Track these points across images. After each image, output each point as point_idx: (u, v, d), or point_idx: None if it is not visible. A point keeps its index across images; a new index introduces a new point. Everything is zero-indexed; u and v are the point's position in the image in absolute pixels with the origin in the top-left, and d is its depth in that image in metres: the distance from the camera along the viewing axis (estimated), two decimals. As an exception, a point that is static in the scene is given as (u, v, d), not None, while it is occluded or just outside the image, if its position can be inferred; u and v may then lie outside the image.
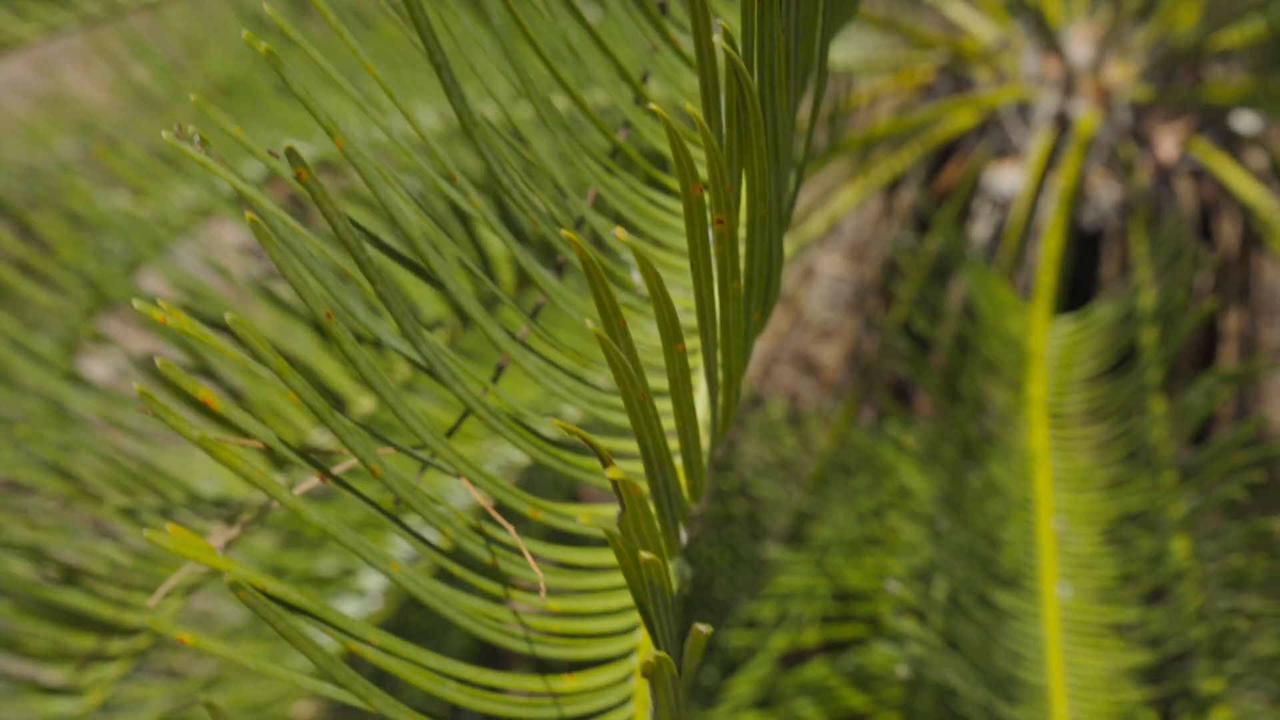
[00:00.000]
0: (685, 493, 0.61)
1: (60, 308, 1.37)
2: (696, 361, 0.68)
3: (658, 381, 0.65)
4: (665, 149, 0.76)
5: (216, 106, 1.81)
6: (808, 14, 0.63)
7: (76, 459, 1.25)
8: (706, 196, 0.49)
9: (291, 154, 0.53)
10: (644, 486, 0.51)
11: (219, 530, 1.30)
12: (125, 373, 1.39)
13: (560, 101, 1.02)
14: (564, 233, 0.46)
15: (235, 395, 1.23)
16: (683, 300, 0.72)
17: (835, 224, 2.01)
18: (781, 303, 2.23)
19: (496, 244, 1.30)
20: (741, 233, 0.56)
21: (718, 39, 0.45)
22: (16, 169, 1.62)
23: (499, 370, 0.67)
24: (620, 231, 0.43)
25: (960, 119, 1.85)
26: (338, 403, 1.24)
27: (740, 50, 0.55)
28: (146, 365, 1.31)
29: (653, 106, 0.43)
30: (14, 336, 1.31)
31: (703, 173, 0.48)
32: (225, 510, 1.29)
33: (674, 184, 0.75)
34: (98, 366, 2.03)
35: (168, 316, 0.52)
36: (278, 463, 1.22)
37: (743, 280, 0.55)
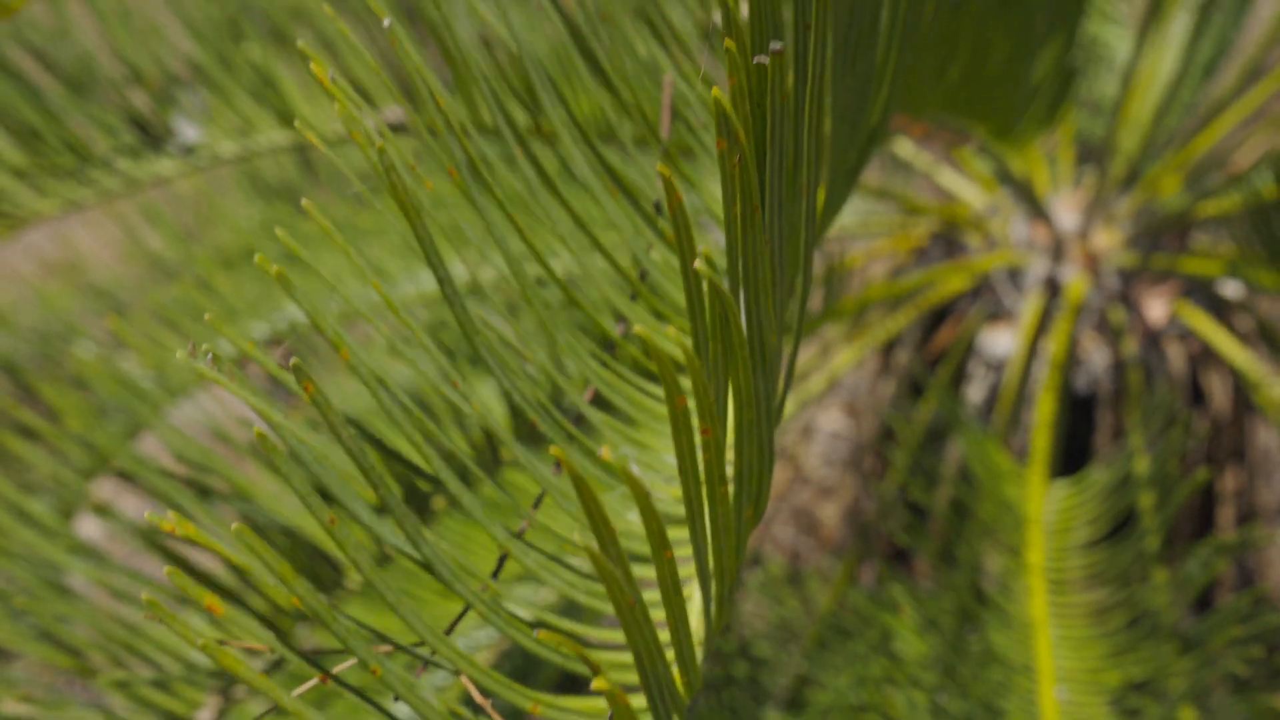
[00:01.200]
0: (680, 689, 0.62)
1: (60, 474, 1.38)
2: (689, 552, 0.69)
3: (650, 571, 0.66)
4: (665, 344, 0.78)
5: (224, 272, 1.84)
6: (792, 222, 0.65)
7: (71, 628, 1.25)
8: (692, 406, 0.51)
9: (299, 370, 0.55)
10: (638, 698, 0.51)
11: (212, 701, 1.30)
12: (119, 534, 1.40)
13: (553, 292, 1.05)
14: (553, 450, 0.48)
15: (238, 570, 1.24)
16: (677, 493, 0.74)
17: (834, 382, 2.04)
18: (781, 459, 2.25)
19: (498, 410, 1.32)
20: (731, 437, 0.58)
21: (699, 263, 0.48)
22: (28, 333, 1.66)
23: (500, 564, 0.68)
24: (606, 451, 0.45)
25: (953, 283, 1.89)
26: (337, 573, 1.24)
27: (726, 263, 0.57)
28: (142, 528, 1.32)
29: (638, 329, 0.45)
30: (13, 502, 1.32)
31: (687, 384, 0.50)
32: (219, 680, 1.28)
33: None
34: (91, 525, 2.03)
35: (176, 526, 0.53)
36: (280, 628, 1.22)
37: (731, 484, 0.56)
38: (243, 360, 1.73)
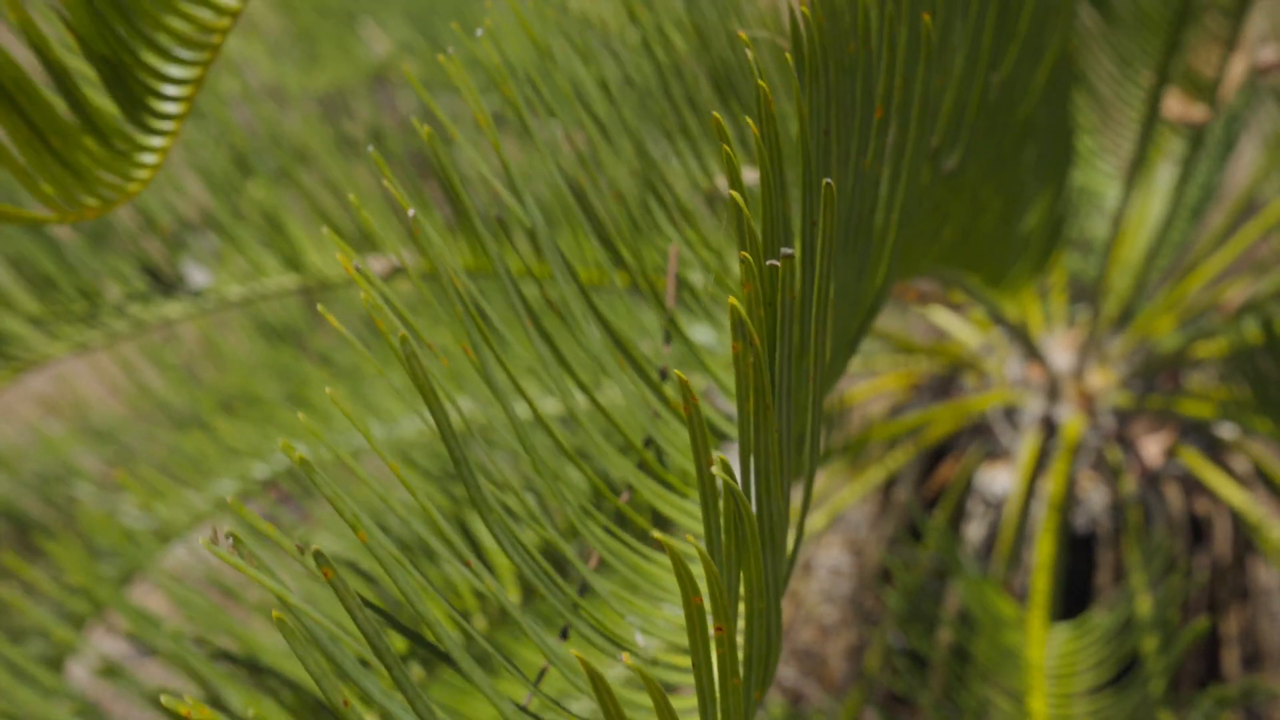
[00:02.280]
0: None
1: (54, 624, 1.37)
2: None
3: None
4: (663, 508, 0.79)
5: (227, 414, 1.85)
6: (800, 402, 0.67)
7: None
8: (707, 605, 0.52)
9: (319, 556, 0.56)
10: None
11: None
12: (110, 671, 1.39)
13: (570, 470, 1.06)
14: (576, 654, 0.48)
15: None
16: (682, 660, 0.74)
17: (834, 517, 2.04)
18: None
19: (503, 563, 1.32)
20: (741, 623, 0.59)
21: (715, 468, 0.49)
22: (28, 476, 1.66)
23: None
24: (628, 658, 0.46)
25: (951, 422, 1.90)
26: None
27: (739, 456, 0.59)
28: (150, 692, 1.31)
29: (658, 535, 0.47)
30: (4, 654, 1.31)
31: (703, 586, 0.51)
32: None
33: (663, 539, 0.77)
34: (78, 669, 2.01)
35: (192, 711, 0.53)
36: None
37: (742, 673, 0.57)
38: (245, 498, 1.74)
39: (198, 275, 1.57)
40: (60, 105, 0.78)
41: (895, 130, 0.76)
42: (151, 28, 0.79)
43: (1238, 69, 1.82)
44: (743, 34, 0.57)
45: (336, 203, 1.66)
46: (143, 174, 0.83)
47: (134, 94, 0.80)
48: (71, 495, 1.80)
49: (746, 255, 0.51)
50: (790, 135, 1.01)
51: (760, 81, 0.54)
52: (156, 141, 0.83)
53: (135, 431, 1.77)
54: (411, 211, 0.63)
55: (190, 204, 1.59)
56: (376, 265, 1.62)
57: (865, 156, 0.70)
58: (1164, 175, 1.99)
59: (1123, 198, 1.77)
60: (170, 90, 0.83)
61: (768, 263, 0.54)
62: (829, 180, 0.54)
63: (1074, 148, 1.63)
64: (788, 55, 0.57)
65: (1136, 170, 1.71)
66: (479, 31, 0.73)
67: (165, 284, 1.50)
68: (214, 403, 1.67)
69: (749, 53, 0.55)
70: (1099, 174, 1.86)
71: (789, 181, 0.68)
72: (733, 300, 0.50)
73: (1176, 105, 1.68)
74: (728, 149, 0.53)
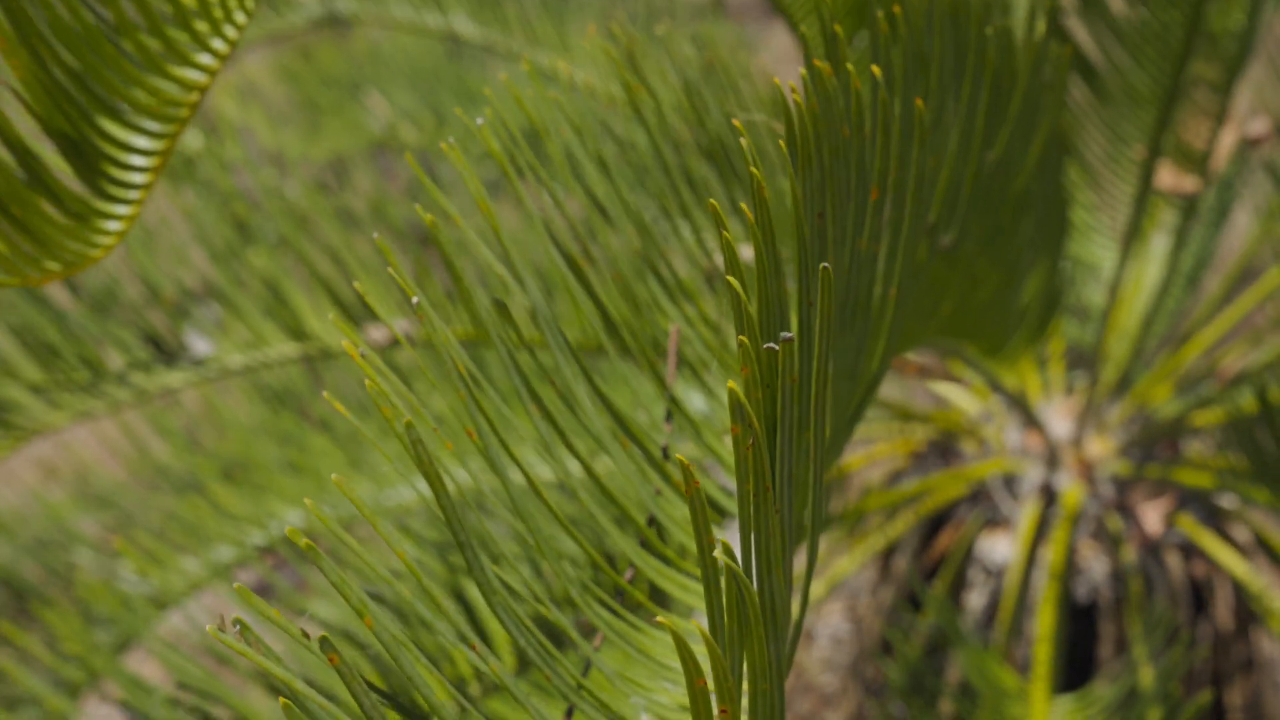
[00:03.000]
0: None
1: (49, 692, 1.37)
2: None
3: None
4: (663, 584, 0.80)
5: (227, 479, 1.85)
6: (800, 479, 0.68)
7: None
8: (710, 687, 0.52)
9: (325, 643, 0.56)
10: None
11: None
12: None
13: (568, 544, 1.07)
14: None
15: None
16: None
17: (834, 585, 2.03)
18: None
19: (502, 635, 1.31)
20: (745, 702, 0.59)
21: (718, 552, 0.49)
22: (29, 544, 1.66)
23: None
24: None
25: (950, 490, 1.90)
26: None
27: (739, 536, 0.59)
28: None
29: (662, 619, 0.47)
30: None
31: (707, 668, 0.51)
32: None
33: (667, 622, 0.77)
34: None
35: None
36: None
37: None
38: (242, 565, 1.73)
39: (200, 344, 1.58)
40: (18, 172, 0.79)
41: (891, 209, 0.77)
42: (115, 99, 0.80)
43: (1227, 141, 1.85)
44: (737, 121, 0.59)
45: (338, 270, 1.67)
46: (107, 240, 0.84)
47: (95, 164, 0.81)
48: (70, 561, 1.80)
49: (744, 340, 0.52)
50: (790, 211, 1.02)
51: (753, 169, 0.55)
52: (121, 209, 0.84)
53: (134, 496, 1.77)
54: (416, 299, 0.64)
55: (193, 272, 1.61)
56: (377, 333, 1.63)
57: (861, 236, 0.71)
58: (1159, 243, 2.01)
59: (1119, 266, 1.79)
60: (136, 160, 0.84)
61: (765, 346, 0.55)
62: (825, 264, 0.55)
63: (1069, 219, 1.64)
64: (782, 143, 0.58)
65: (1132, 239, 1.72)
66: (479, 121, 0.74)
67: (168, 353, 1.51)
68: (214, 468, 1.67)
69: (742, 140, 0.57)
70: (1095, 243, 1.88)
71: (789, 257, 0.69)
72: (731, 384, 0.51)
73: (1169, 177, 1.70)
74: (725, 234, 0.54)
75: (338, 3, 2.01)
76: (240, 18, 0.80)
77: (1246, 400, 1.58)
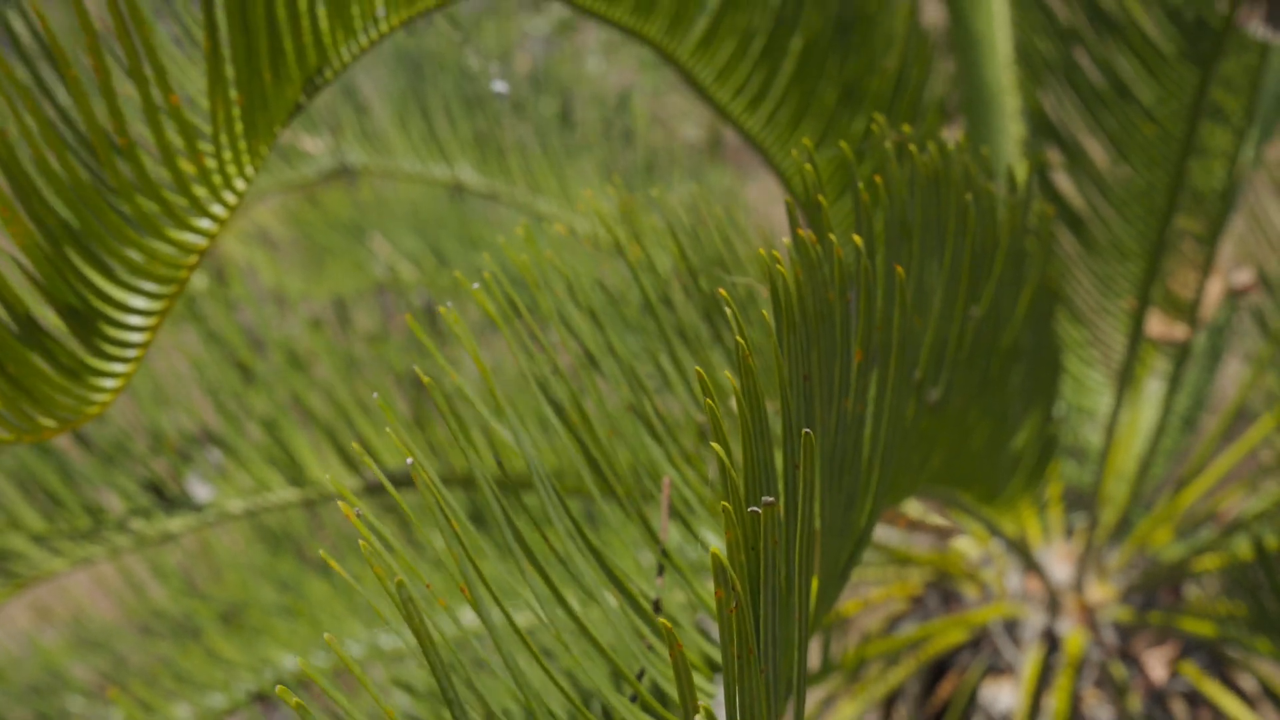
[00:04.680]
0: None
1: None
2: None
3: None
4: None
5: (224, 623, 1.84)
6: (786, 636, 0.68)
7: None
8: None
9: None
10: None
11: None
12: None
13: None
14: None
15: None
16: None
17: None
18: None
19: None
20: None
21: (699, 718, 0.50)
22: (22, 690, 1.65)
23: None
24: None
25: (952, 635, 1.89)
26: None
27: (724, 698, 0.60)
28: None
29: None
30: None
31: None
32: None
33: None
34: None
35: None
36: None
37: None
38: (234, 712, 1.71)
39: (201, 490, 1.59)
40: (14, 331, 0.80)
41: (877, 369, 0.79)
42: (112, 261, 0.82)
43: (1215, 290, 1.88)
44: (723, 291, 0.61)
45: (338, 412, 1.69)
46: (103, 397, 0.85)
47: (91, 324, 0.83)
48: (63, 708, 1.78)
49: (727, 505, 0.54)
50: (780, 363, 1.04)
51: (739, 338, 0.57)
52: (118, 367, 0.86)
53: (129, 640, 1.76)
54: (410, 460, 0.66)
55: (195, 415, 1.63)
56: (375, 478, 1.64)
57: (847, 397, 0.73)
58: (1154, 387, 2.03)
59: (1114, 408, 1.81)
60: (134, 320, 0.85)
61: (749, 510, 0.56)
62: (808, 430, 0.56)
63: (1061, 365, 1.67)
64: (765, 313, 0.61)
65: (1125, 383, 1.75)
66: (475, 286, 0.77)
67: (169, 500, 1.52)
68: (210, 611, 1.67)
69: (727, 310, 0.59)
70: (1090, 387, 1.90)
71: (780, 409, 0.71)
72: (714, 550, 0.52)
73: (1159, 324, 1.73)
74: (709, 402, 0.56)
75: (348, 155, 2.07)
76: (240, 184, 0.83)
77: (1243, 548, 1.58)
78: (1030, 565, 1.90)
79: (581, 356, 0.95)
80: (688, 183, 2.56)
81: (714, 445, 0.55)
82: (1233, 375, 2.45)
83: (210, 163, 0.84)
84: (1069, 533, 1.99)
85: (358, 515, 0.66)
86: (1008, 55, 1.82)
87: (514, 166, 2.19)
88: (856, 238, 0.69)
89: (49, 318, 0.82)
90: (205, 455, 1.65)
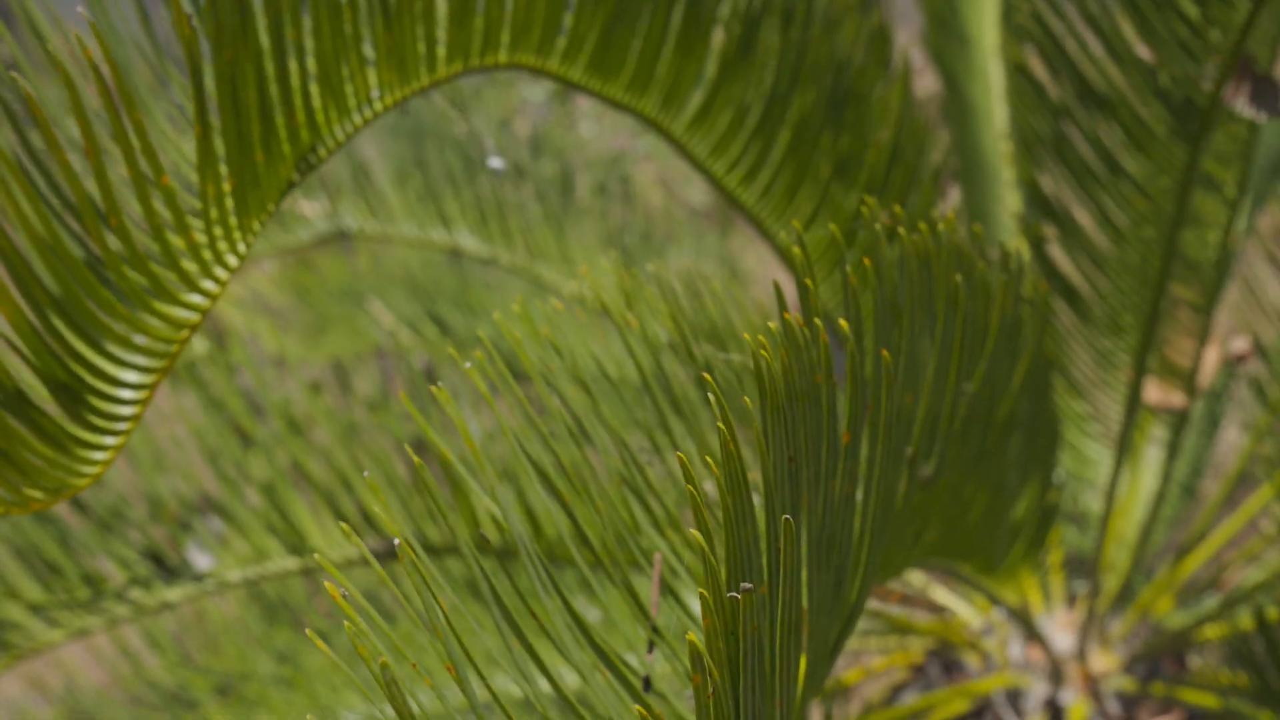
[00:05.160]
0: None
1: None
2: None
3: None
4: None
5: (219, 694, 1.82)
6: (771, 718, 0.68)
7: None
8: None
9: None
10: None
11: None
12: None
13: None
14: None
15: None
16: None
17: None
18: None
19: None
20: None
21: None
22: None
23: None
24: None
25: (954, 705, 1.87)
26: None
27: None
28: None
29: None
30: None
31: None
32: None
33: None
34: None
35: None
36: None
37: None
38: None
39: (201, 560, 1.59)
40: (2, 403, 0.80)
41: (866, 447, 0.80)
42: (101, 336, 0.83)
43: (1211, 358, 1.89)
44: (708, 376, 0.62)
45: (337, 478, 1.69)
46: (92, 470, 0.85)
47: (81, 398, 0.83)
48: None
49: (704, 592, 0.54)
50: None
51: (720, 424, 0.58)
52: (108, 440, 0.86)
53: (123, 714, 1.75)
54: (397, 540, 0.66)
55: (194, 482, 1.63)
56: (375, 543, 1.64)
57: (835, 478, 0.73)
58: (1153, 453, 2.03)
59: (1114, 475, 1.80)
60: (124, 394, 0.86)
61: (729, 595, 0.56)
62: (787, 516, 0.57)
63: (1059, 433, 1.67)
64: (747, 401, 0.61)
65: (1125, 450, 1.74)
66: (468, 364, 0.78)
67: (169, 569, 1.52)
68: (207, 684, 1.66)
69: (711, 397, 0.59)
70: (1089, 454, 1.90)
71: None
72: (691, 636, 0.52)
73: (1156, 392, 1.74)
74: (691, 489, 0.56)
75: (345, 219, 2.09)
76: (233, 260, 0.84)
77: (1245, 619, 1.57)
78: (1032, 634, 1.89)
79: (575, 429, 0.95)
80: (688, 248, 2.57)
81: (694, 533, 0.55)
82: (1232, 442, 2.44)
83: (200, 238, 0.85)
84: (1071, 600, 1.98)
85: (344, 597, 0.66)
86: (1003, 126, 1.84)
87: (513, 231, 2.21)
88: (843, 322, 0.70)
89: (36, 388, 0.82)
90: (205, 523, 1.65)
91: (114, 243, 0.81)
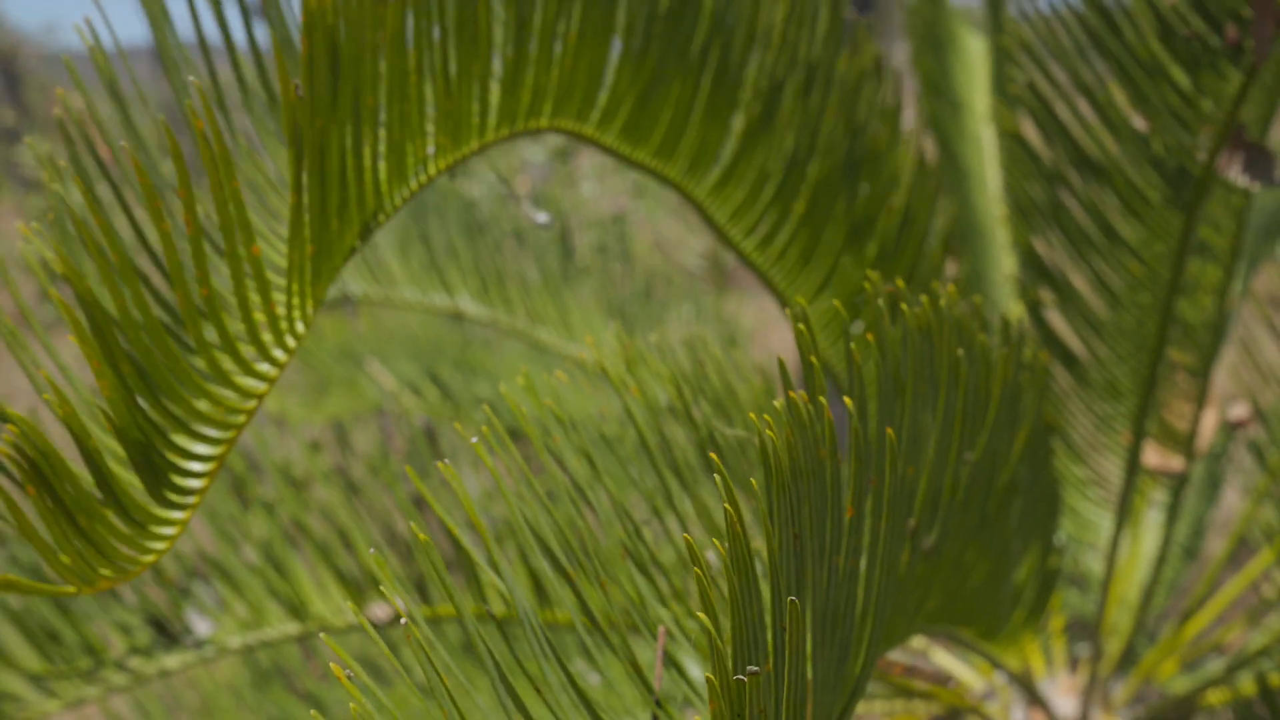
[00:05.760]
0: None
1: None
2: None
3: None
4: None
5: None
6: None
7: None
8: None
9: None
10: None
11: None
12: None
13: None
14: None
15: None
16: None
17: None
18: None
19: None
20: None
21: None
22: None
23: None
24: None
25: (956, 771, 1.85)
26: None
27: None
28: None
29: None
30: None
31: None
32: None
33: None
34: None
35: None
36: None
37: None
38: None
39: (201, 625, 1.58)
40: (87, 481, 0.81)
41: (870, 520, 0.80)
42: (181, 410, 0.83)
43: (1210, 421, 1.89)
44: (713, 455, 0.62)
45: (338, 537, 1.69)
46: (160, 545, 0.85)
47: (159, 470, 0.84)
48: None
49: (711, 677, 0.54)
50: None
51: (726, 505, 0.58)
52: (177, 514, 0.86)
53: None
54: (403, 620, 0.66)
55: (194, 542, 1.62)
56: (381, 610, 1.63)
57: (839, 553, 0.74)
58: (1153, 516, 2.03)
59: (1114, 537, 1.80)
60: (195, 466, 0.86)
61: (735, 678, 0.56)
62: (793, 598, 0.57)
63: (1060, 498, 1.67)
64: (753, 482, 0.62)
65: (1125, 512, 1.74)
66: (474, 439, 0.78)
67: (169, 635, 1.51)
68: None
69: (717, 478, 0.60)
70: (1089, 516, 1.90)
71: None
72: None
73: (1155, 456, 1.74)
74: (698, 570, 0.57)
75: (349, 285, 2.10)
76: (301, 328, 0.84)
77: (1248, 684, 1.56)
78: (1035, 699, 1.88)
79: (578, 498, 0.96)
80: (687, 310, 2.59)
81: (701, 616, 0.55)
82: (1233, 505, 2.45)
83: (280, 310, 0.85)
84: (1073, 664, 1.97)
85: (349, 676, 0.66)
86: (998, 190, 1.86)
87: (514, 295, 2.22)
88: (848, 400, 0.71)
89: (115, 468, 0.82)
90: (204, 589, 1.64)
91: (199, 312, 0.81)
